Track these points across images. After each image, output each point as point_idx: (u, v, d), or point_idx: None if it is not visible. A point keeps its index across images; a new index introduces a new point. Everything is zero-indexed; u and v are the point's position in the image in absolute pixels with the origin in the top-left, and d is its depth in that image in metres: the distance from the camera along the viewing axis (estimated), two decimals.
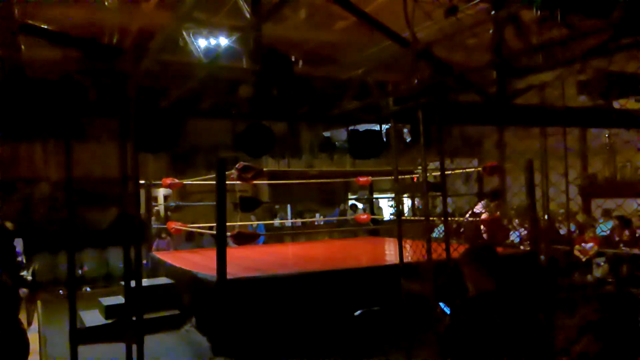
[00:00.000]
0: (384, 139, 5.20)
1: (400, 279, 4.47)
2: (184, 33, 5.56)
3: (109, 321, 6.30)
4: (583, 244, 8.27)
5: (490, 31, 4.26)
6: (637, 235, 8.11)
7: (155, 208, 11.21)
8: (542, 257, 7.18)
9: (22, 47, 3.41)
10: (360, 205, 13.10)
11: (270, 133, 4.59)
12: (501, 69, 4.32)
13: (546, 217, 7.58)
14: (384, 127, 5.20)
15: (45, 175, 10.26)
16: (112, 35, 6.89)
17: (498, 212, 8.53)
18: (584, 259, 8.12)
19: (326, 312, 5.79)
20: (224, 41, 5.80)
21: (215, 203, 6.00)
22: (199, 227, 9.20)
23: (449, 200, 4.57)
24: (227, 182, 6.14)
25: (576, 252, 8.16)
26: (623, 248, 7.89)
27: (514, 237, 9.24)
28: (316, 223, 13.75)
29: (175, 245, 10.38)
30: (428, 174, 4.29)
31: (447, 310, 3.46)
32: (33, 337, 4.94)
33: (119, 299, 6.70)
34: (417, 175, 9.07)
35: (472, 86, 4.47)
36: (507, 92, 4.43)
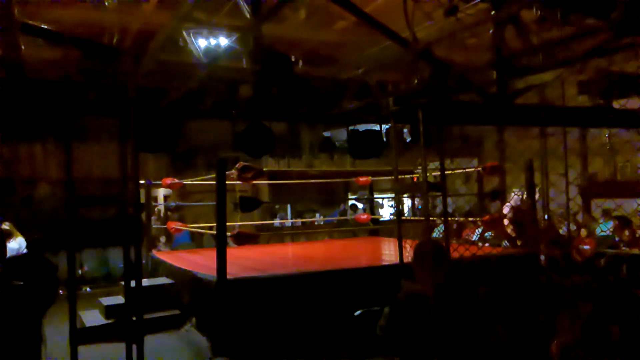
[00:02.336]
0: (384, 139, 5.20)
1: (400, 279, 4.47)
2: (184, 33, 5.55)
3: (109, 321, 6.31)
4: (581, 246, 8.26)
5: (490, 31, 4.26)
6: (637, 235, 8.10)
7: (157, 208, 11.22)
8: (542, 257, 7.17)
9: (22, 47, 3.41)
10: (360, 205, 13.09)
11: (270, 133, 4.59)
12: (501, 69, 4.32)
13: (546, 217, 7.57)
14: (384, 127, 5.20)
15: (45, 175, 10.26)
16: (112, 35, 6.88)
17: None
18: (581, 261, 8.10)
19: (326, 313, 5.79)
20: (224, 41, 5.80)
21: (215, 203, 6.00)
22: (199, 227, 9.20)
23: (449, 200, 4.57)
24: (227, 182, 6.14)
25: (574, 254, 8.14)
26: (623, 248, 7.88)
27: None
28: (316, 223, 13.75)
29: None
30: (428, 174, 4.29)
31: None
32: None
33: (119, 299, 6.70)
34: (417, 175, 9.08)
35: (472, 86, 4.47)
36: (507, 92, 4.43)
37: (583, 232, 8.65)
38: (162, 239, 10.45)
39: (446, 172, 4.39)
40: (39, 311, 3.76)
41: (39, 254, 3.98)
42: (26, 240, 6.43)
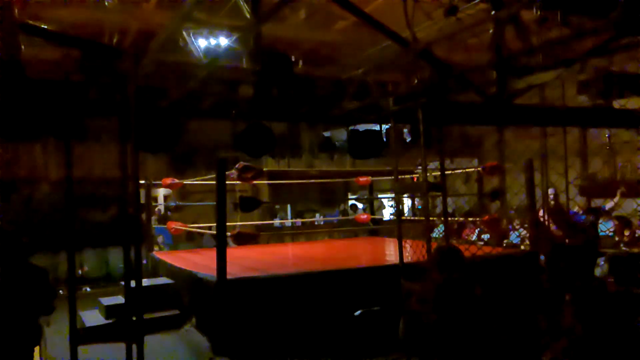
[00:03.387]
0: (384, 139, 5.20)
1: (400, 279, 4.47)
2: (184, 33, 5.56)
3: (109, 321, 6.30)
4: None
5: (490, 31, 4.26)
6: (637, 235, 8.10)
7: (157, 208, 11.23)
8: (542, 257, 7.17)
9: (22, 47, 3.41)
10: (360, 205, 13.09)
11: (270, 133, 4.59)
12: (501, 69, 4.32)
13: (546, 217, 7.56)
14: (384, 127, 5.20)
15: (45, 175, 10.26)
16: (112, 35, 6.89)
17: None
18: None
19: (326, 312, 5.79)
20: (224, 41, 5.80)
21: (215, 203, 6.00)
22: (199, 227, 9.20)
23: (449, 200, 4.57)
24: (227, 182, 6.14)
25: None
26: (623, 248, 7.88)
27: (513, 237, 9.24)
28: (316, 223, 13.74)
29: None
30: (428, 174, 4.29)
31: None
32: None
33: (119, 299, 6.70)
34: (417, 175, 9.08)
35: (472, 86, 4.47)
36: (507, 92, 4.43)
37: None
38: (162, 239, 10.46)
39: (446, 172, 4.39)
40: (28, 319, 3.67)
41: (22, 259, 3.80)
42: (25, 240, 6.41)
